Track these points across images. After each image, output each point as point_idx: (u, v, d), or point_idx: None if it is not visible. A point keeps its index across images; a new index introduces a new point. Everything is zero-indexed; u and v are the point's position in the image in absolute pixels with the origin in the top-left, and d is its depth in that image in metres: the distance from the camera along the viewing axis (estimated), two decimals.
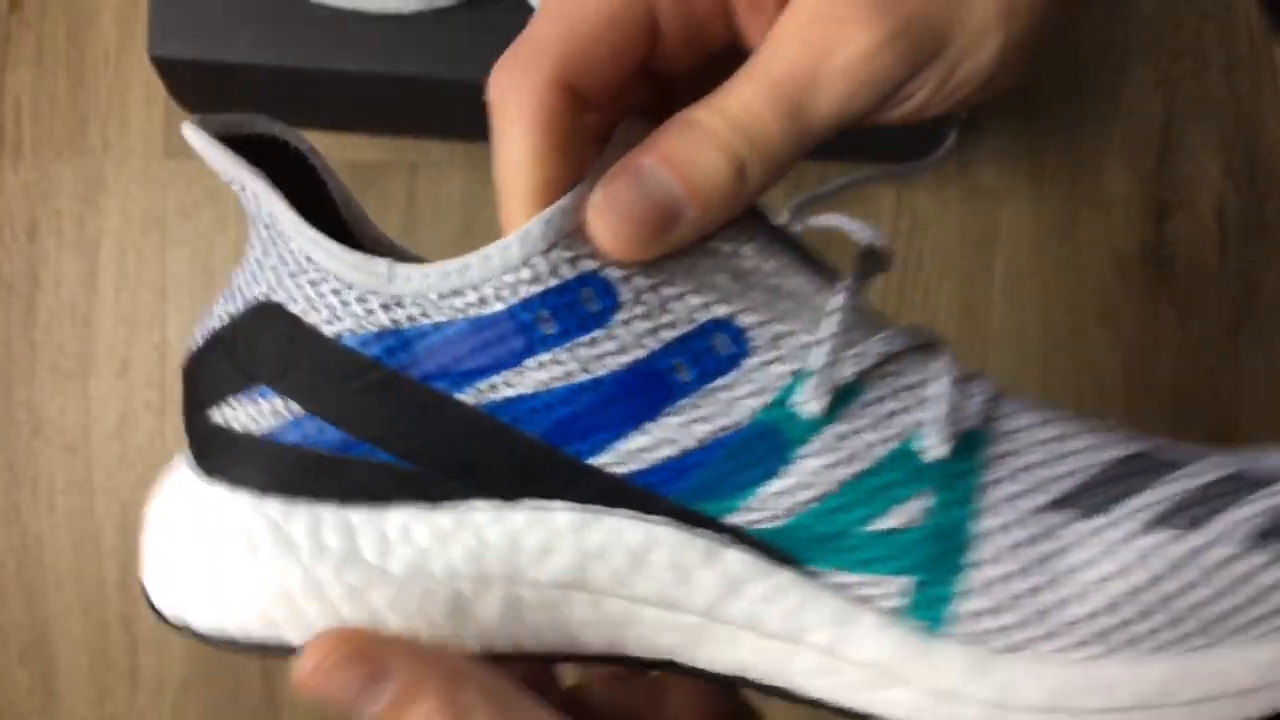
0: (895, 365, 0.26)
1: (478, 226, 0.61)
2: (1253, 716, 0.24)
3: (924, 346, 0.26)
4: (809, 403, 0.24)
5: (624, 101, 0.26)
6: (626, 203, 0.23)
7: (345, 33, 0.49)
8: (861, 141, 0.56)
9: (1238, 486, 0.25)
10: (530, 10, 0.48)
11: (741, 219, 0.25)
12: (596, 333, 0.24)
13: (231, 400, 0.26)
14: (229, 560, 0.25)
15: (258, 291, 0.26)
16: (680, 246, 0.24)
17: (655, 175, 0.23)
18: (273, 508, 0.25)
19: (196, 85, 0.51)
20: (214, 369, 0.26)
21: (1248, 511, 0.24)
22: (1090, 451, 0.26)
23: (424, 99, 0.52)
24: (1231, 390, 0.63)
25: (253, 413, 0.26)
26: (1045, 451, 0.26)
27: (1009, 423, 0.26)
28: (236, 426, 0.26)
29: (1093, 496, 0.25)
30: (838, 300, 0.25)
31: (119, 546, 0.60)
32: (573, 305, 0.24)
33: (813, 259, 0.27)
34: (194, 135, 0.27)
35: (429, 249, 0.62)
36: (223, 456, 0.26)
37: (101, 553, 0.60)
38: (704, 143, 0.23)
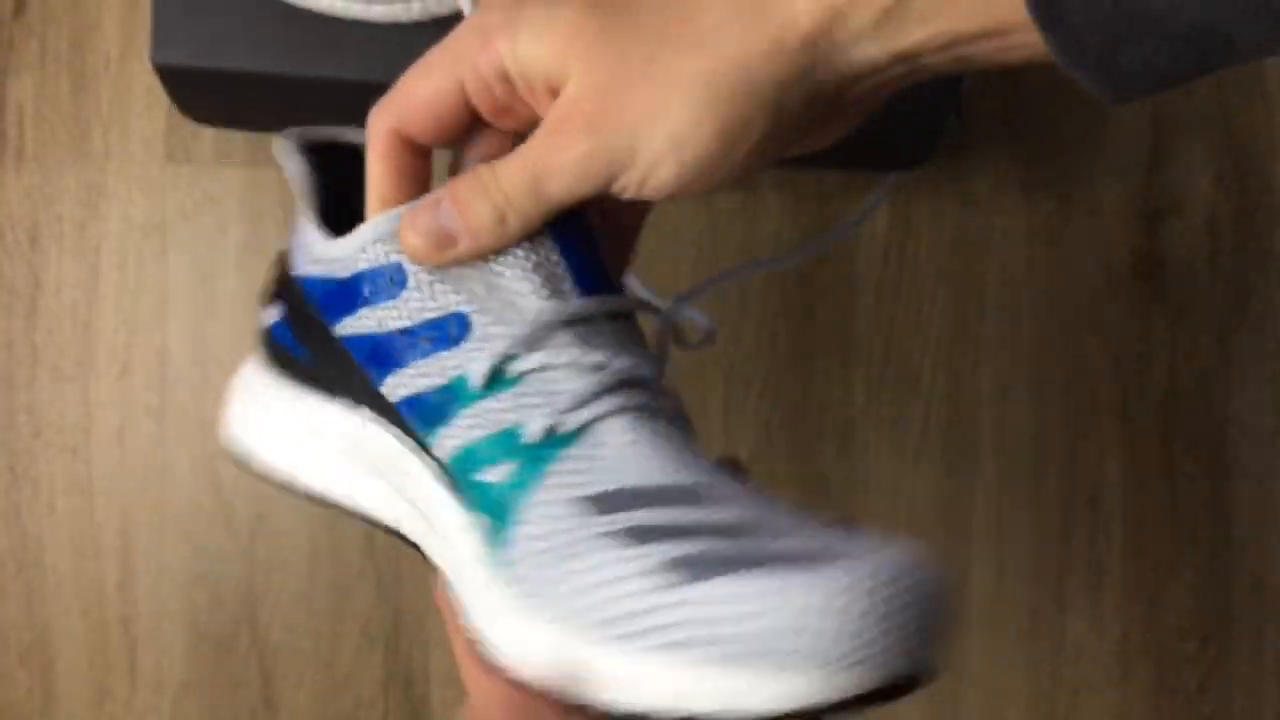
0: (556, 373, 0.34)
1: None
2: (614, 710, 0.31)
3: (598, 367, 0.35)
4: (473, 380, 0.34)
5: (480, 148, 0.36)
6: (424, 224, 0.34)
7: (347, 41, 0.49)
8: (860, 150, 0.57)
9: (716, 530, 0.32)
10: None
11: (524, 250, 0.34)
12: (390, 303, 0.35)
13: (268, 306, 0.39)
14: (243, 406, 0.39)
15: (286, 244, 0.39)
16: (460, 261, 0.34)
17: (447, 210, 0.34)
18: (268, 375, 0.39)
19: (198, 92, 0.52)
20: (265, 286, 0.39)
21: (675, 545, 0.31)
22: (644, 473, 0.34)
23: None
24: (1222, 396, 0.64)
25: (269, 315, 0.38)
26: (609, 463, 0.34)
27: (603, 436, 0.34)
28: (264, 321, 0.39)
29: (611, 502, 0.33)
30: (529, 315, 0.34)
31: (118, 548, 0.61)
32: (383, 282, 0.35)
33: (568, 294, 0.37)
34: (278, 144, 0.39)
35: None
36: (260, 340, 0.39)
37: (101, 554, 0.61)
38: (481, 195, 0.33)
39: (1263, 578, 0.64)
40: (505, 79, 0.33)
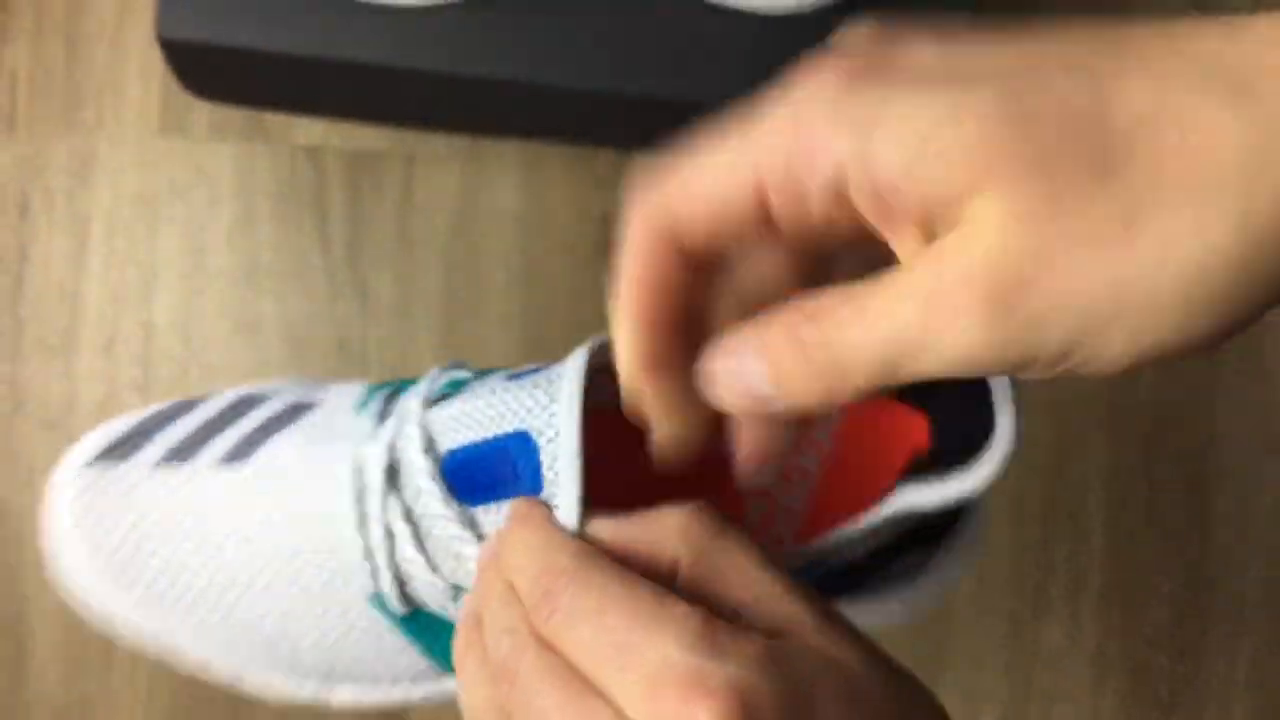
0: None
1: (470, 220, 0.61)
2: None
3: None
4: None
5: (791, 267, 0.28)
6: (735, 385, 0.26)
7: (355, 23, 0.49)
8: None
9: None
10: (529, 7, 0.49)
11: None
12: None
13: None
14: None
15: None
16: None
17: (757, 375, 0.26)
18: None
19: (202, 67, 0.51)
20: None
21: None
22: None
23: (427, 91, 0.52)
24: (1207, 414, 0.64)
25: None
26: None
27: None
28: None
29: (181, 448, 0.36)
30: None
31: None
32: None
33: None
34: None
35: (422, 239, 0.62)
36: None
37: None
38: (805, 369, 0.25)
39: (1242, 592, 0.65)
40: (837, 190, 0.23)
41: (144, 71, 0.59)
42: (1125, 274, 0.21)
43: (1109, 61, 0.22)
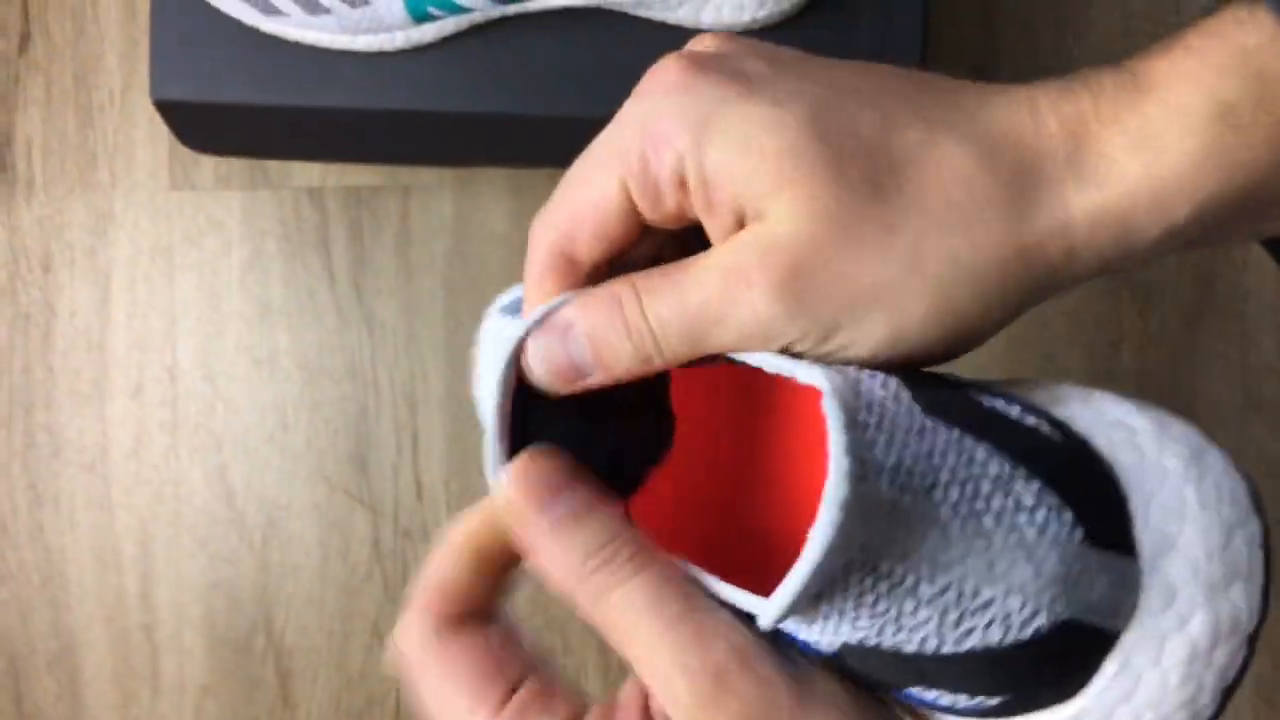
0: None
1: (466, 245, 0.64)
2: None
3: None
4: None
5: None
6: (552, 357, 0.28)
7: (335, 71, 0.52)
8: None
9: None
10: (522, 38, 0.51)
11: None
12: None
13: None
14: None
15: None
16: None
17: (578, 343, 0.28)
18: None
19: (197, 124, 0.54)
20: None
21: None
22: None
23: (410, 130, 0.55)
24: (1189, 378, 0.66)
25: None
26: None
27: None
28: None
29: None
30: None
31: (138, 559, 0.63)
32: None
33: None
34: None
35: (422, 266, 0.65)
36: None
37: (122, 565, 0.63)
38: (623, 334, 0.28)
39: None
40: (680, 180, 0.26)
41: (151, 133, 0.63)
42: (884, 273, 0.26)
43: (896, 103, 0.26)
